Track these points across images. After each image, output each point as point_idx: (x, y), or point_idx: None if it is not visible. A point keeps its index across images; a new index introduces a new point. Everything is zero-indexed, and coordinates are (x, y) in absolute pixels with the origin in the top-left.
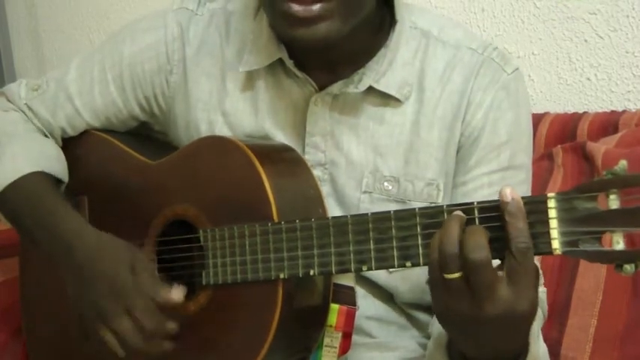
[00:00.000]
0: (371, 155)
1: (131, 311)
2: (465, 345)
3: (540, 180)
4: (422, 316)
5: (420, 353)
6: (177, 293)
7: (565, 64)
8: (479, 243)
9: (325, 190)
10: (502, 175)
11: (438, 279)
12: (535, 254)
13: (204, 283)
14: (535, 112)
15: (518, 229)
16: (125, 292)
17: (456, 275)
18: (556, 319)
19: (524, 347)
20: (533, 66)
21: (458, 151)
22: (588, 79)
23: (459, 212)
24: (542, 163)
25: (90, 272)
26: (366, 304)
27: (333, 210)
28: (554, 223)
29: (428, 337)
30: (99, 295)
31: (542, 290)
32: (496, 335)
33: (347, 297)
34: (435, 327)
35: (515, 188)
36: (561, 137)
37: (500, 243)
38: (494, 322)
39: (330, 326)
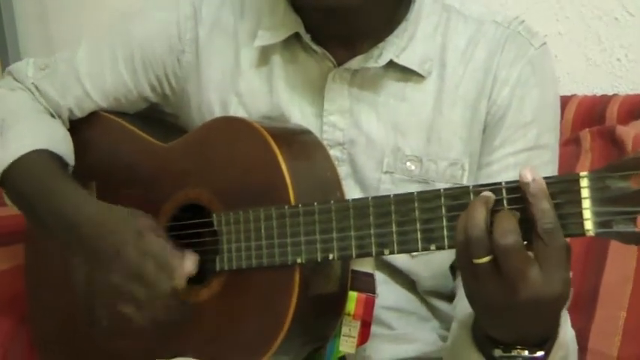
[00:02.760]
0: (392, 134)
1: (143, 277)
2: (492, 327)
3: (567, 166)
4: (443, 306)
5: (439, 346)
6: (189, 263)
7: (594, 43)
8: (508, 228)
9: (344, 170)
10: (528, 156)
11: (466, 263)
12: (566, 236)
13: (217, 268)
14: (561, 95)
15: (542, 210)
16: (133, 260)
17: (485, 260)
18: (583, 311)
19: (553, 330)
20: (560, 46)
21: (484, 131)
22: (618, 59)
23: (486, 193)
24: (569, 148)
25: (97, 249)
26: (387, 291)
27: (353, 191)
28: (586, 203)
29: (449, 328)
30: (109, 270)
31: None
32: (526, 319)
33: (366, 284)
34: (459, 308)
35: (541, 169)
36: (589, 121)
37: (529, 224)
38: (525, 305)
39: (349, 314)
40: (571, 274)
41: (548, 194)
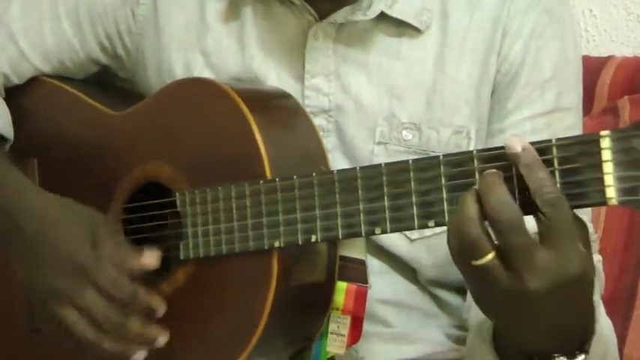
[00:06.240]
0: (385, 98)
1: (97, 283)
2: (519, 337)
3: None
4: (451, 298)
5: (447, 346)
6: (149, 257)
7: None
8: (500, 198)
9: (330, 142)
10: (547, 120)
11: (466, 267)
12: (586, 205)
13: (182, 257)
14: (597, 56)
15: (539, 179)
16: (87, 264)
17: (488, 258)
18: (619, 311)
19: (590, 325)
20: None
21: (493, 93)
22: None
23: (475, 187)
24: (605, 118)
25: (41, 247)
26: (383, 283)
27: (340, 166)
28: (608, 167)
29: (458, 326)
30: (55, 273)
31: (597, 259)
32: (551, 311)
33: (357, 273)
34: (473, 315)
35: (565, 134)
36: (629, 87)
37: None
38: (543, 295)
39: (337, 309)
40: (599, 258)
41: (540, 162)
